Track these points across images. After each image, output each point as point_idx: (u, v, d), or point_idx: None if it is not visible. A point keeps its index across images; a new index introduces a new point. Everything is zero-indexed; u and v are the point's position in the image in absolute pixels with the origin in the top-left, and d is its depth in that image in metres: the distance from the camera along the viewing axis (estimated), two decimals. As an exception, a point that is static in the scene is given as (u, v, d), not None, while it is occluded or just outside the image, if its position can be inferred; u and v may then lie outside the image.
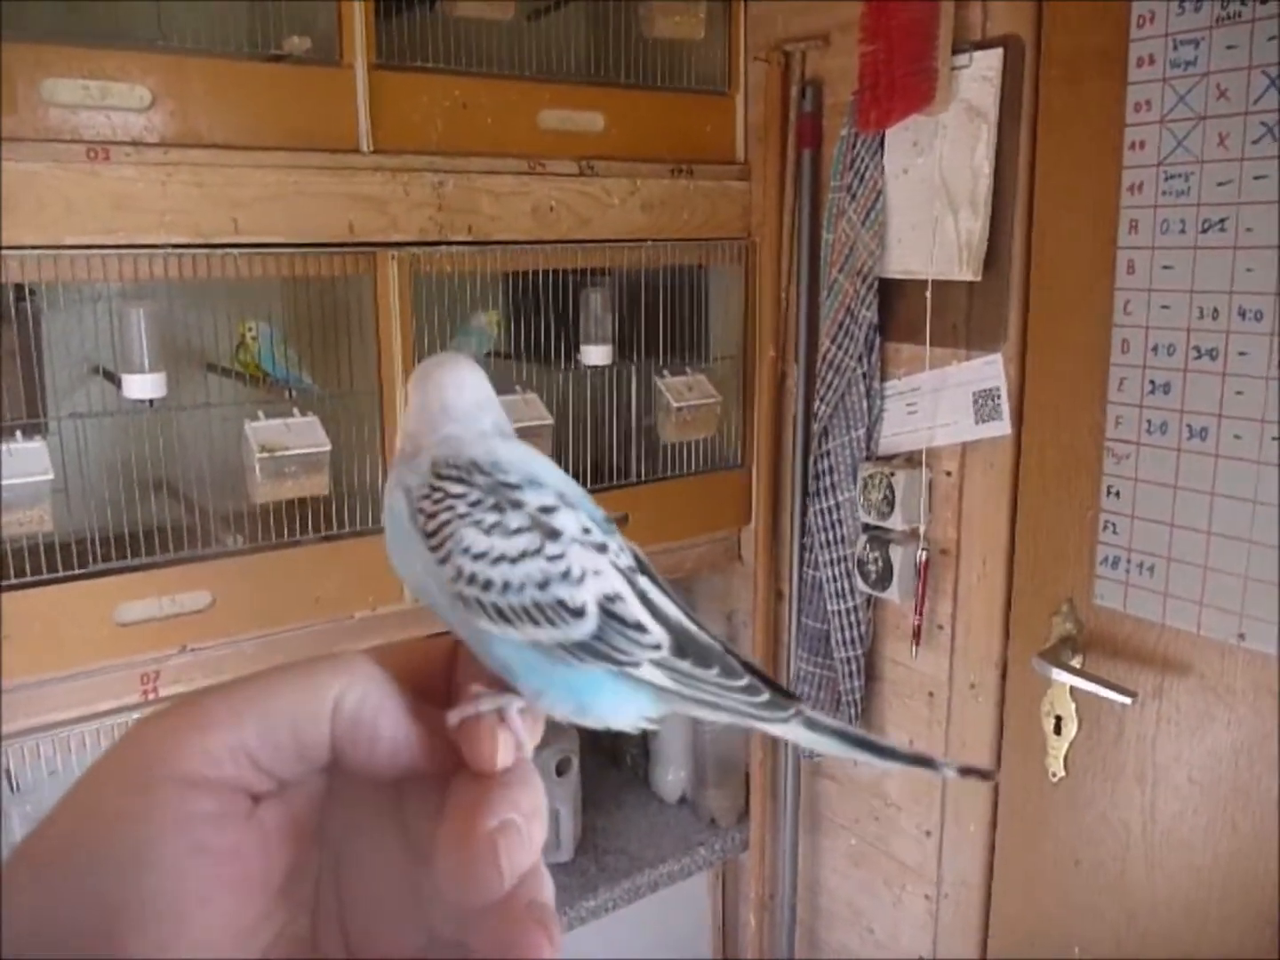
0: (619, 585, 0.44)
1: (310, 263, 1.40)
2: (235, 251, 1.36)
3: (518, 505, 0.43)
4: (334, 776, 0.38)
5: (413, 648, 0.43)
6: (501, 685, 0.41)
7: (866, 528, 1.58)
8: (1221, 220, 1.18)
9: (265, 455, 1.37)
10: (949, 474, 1.52)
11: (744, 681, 0.45)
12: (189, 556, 1.40)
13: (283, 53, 1.38)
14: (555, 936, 0.36)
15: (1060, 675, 1.34)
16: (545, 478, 0.45)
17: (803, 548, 1.68)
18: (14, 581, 1.28)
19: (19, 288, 1.32)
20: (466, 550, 0.42)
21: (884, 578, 1.54)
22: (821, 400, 1.59)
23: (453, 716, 0.38)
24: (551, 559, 0.43)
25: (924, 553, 1.52)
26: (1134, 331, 1.27)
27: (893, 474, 1.52)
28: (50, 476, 1.25)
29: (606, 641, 0.43)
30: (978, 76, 1.39)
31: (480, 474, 0.44)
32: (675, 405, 1.67)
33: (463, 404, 0.46)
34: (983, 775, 0.50)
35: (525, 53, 1.56)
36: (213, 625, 1.42)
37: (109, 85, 1.28)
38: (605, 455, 1.73)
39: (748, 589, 1.86)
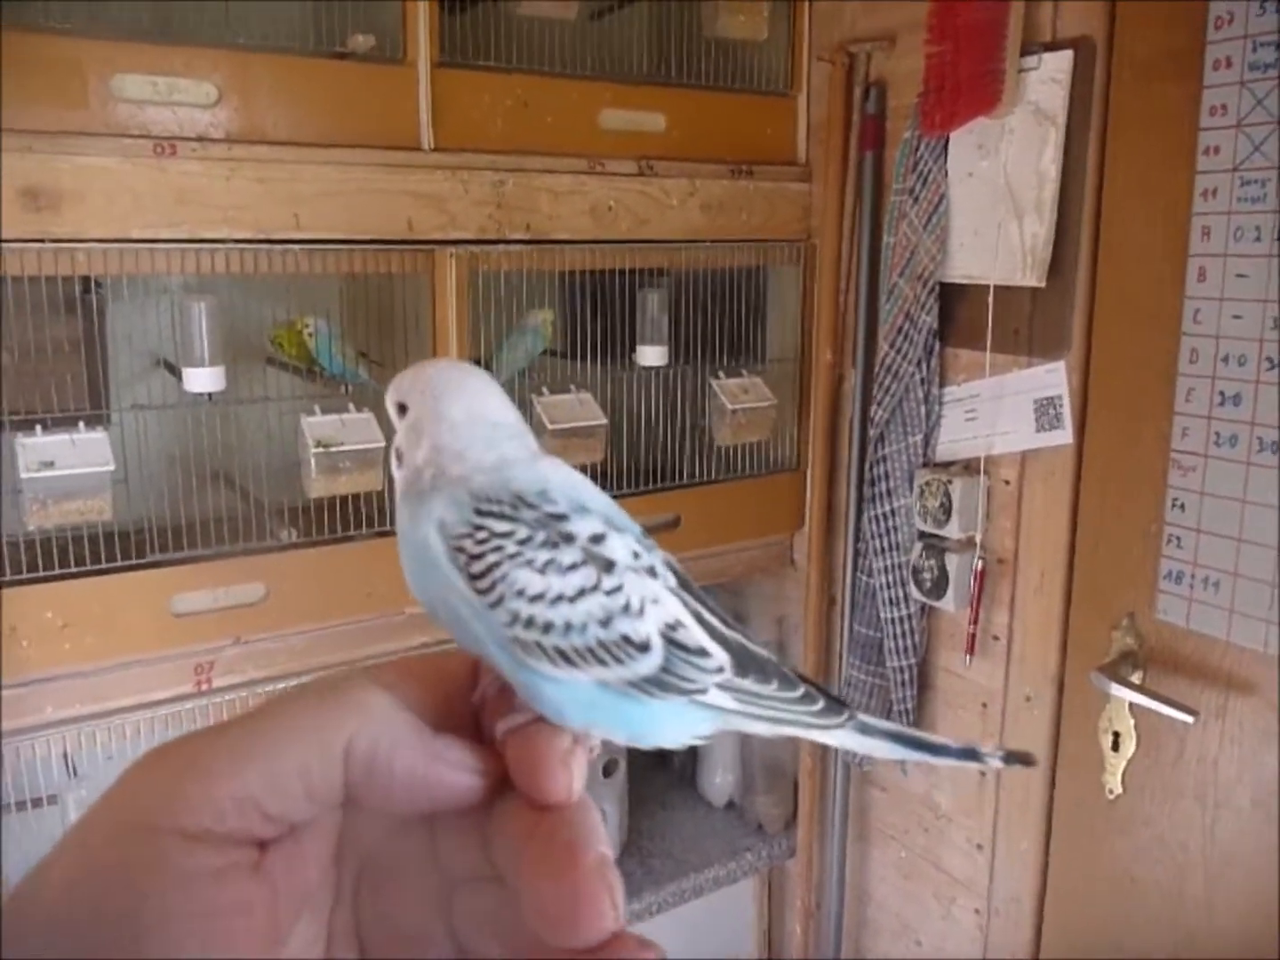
0: (677, 611, 0.42)
1: (369, 259, 1.41)
2: (296, 247, 1.37)
3: (569, 538, 0.41)
4: (349, 808, 0.36)
5: (431, 664, 0.40)
6: None
7: (922, 535, 1.55)
8: (1299, 228, 1.15)
9: (320, 450, 1.38)
10: (1007, 482, 1.49)
11: (800, 691, 0.44)
12: (244, 549, 1.41)
13: (347, 50, 1.39)
14: (617, 893, 0.34)
15: (1120, 691, 1.31)
16: (589, 501, 0.42)
17: (857, 553, 1.67)
18: (74, 570, 1.30)
19: (85, 280, 1.34)
20: (521, 593, 0.39)
21: (939, 586, 1.52)
22: (879, 405, 1.57)
23: (501, 727, 0.37)
24: (610, 593, 0.41)
25: (980, 562, 1.50)
26: (1204, 341, 1.24)
27: (950, 481, 1.49)
28: (111, 467, 1.27)
29: (673, 672, 0.42)
30: (1046, 79, 1.36)
31: (526, 507, 0.41)
32: (730, 407, 1.66)
33: (509, 421, 0.44)
34: (1024, 760, 0.48)
35: (587, 52, 1.56)
36: (266, 618, 1.43)
37: (176, 81, 1.30)
38: (658, 457, 1.72)
39: (799, 594, 1.84)
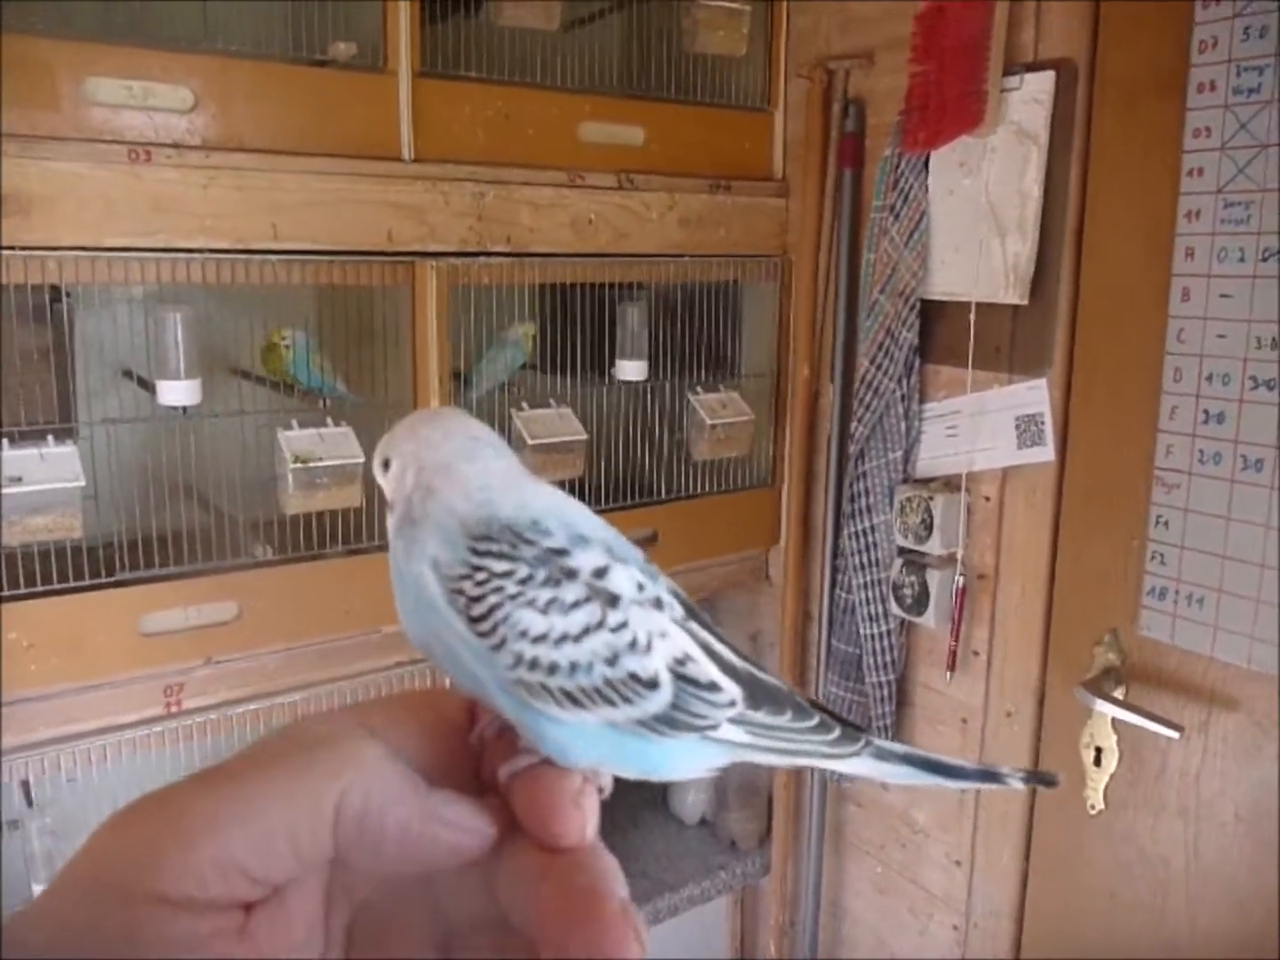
0: (686, 644, 0.41)
1: (349, 271, 1.38)
2: (274, 258, 1.34)
3: (571, 574, 0.39)
4: (338, 862, 0.34)
5: (425, 703, 0.39)
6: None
7: (902, 551, 1.56)
8: (1282, 249, 1.16)
9: (298, 465, 1.34)
10: (988, 499, 1.50)
11: (815, 721, 0.43)
12: (216, 567, 1.37)
13: (327, 58, 1.36)
14: (643, 935, 0.33)
15: (1104, 707, 1.32)
16: (587, 529, 0.41)
17: (835, 569, 1.66)
18: (39, 589, 1.25)
19: (54, 289, 1.30)
20: (524, 634, 0.38)
21: (920, 602, 1.52)
22: (859, 421, 1.57)
23: (504, 771, 0.36)
24: (616, 629, 0.40)
25: (961, 578, 1.50)
26: (1188, 360, 1.25)
27: (931, 498, 1.50)
28: (82, 483, 1.23)
29: (684, 709, 0.40)
30: (1029, 99, 1.38)
31: (524, 543, 0.39)
32: (709, 422, 1.65)
33: (488, 437, 0.43)
34: (1046, 781, 0.48)
35: (566, 64, 1.55)
36: (238, 637, 1.39)
37: (152, 86, 1.27)
38: (637, 472, 1.71)
39: (773, 609, 1.84)
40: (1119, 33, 1.31)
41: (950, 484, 1.52)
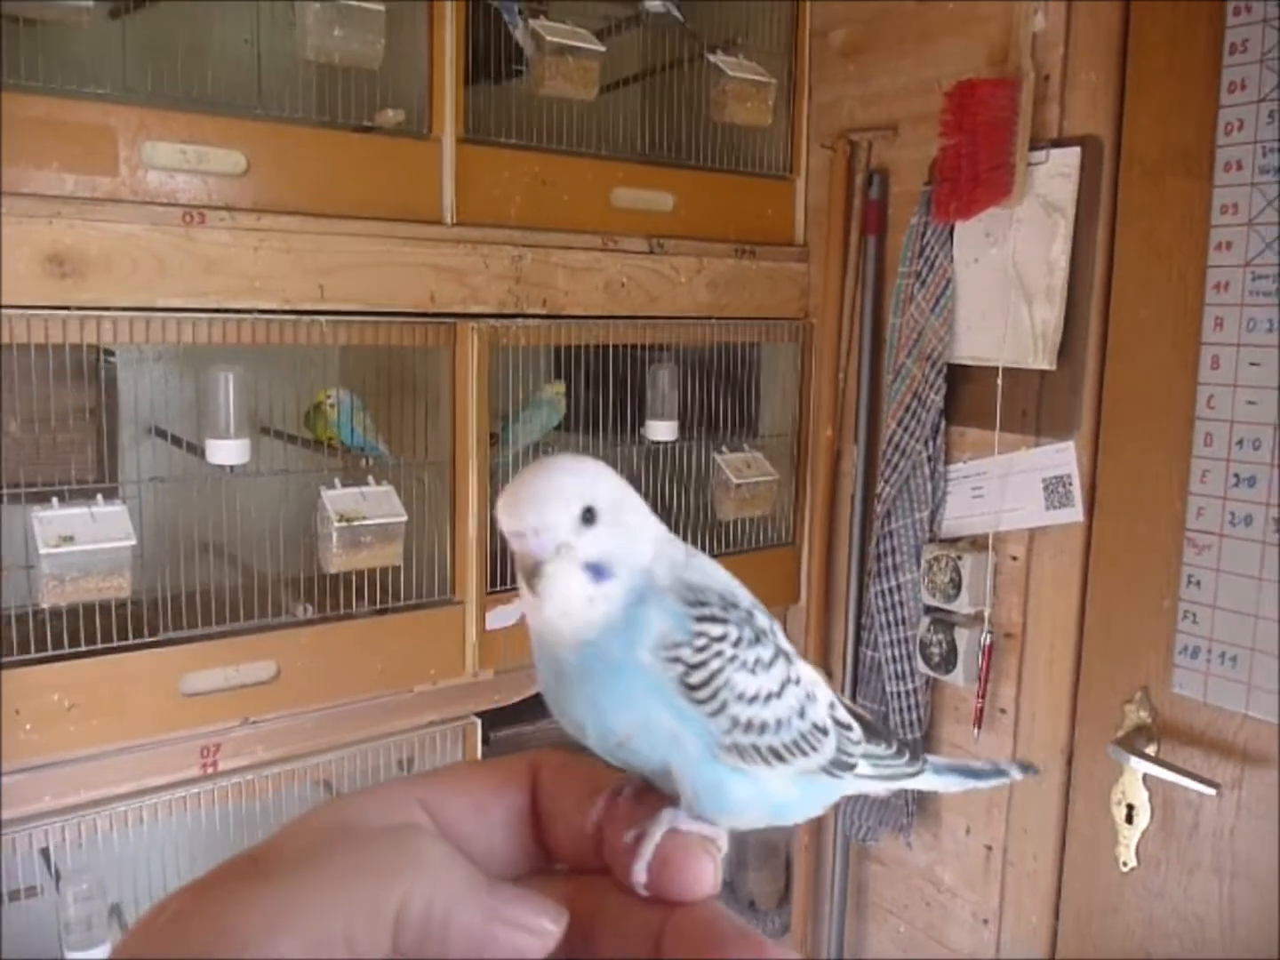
0: (828, 690, 0.43)
1: (393, 332, 1.40)
2: (321, 319, 1.35)
3: (763, 634, 0.40)
4: None
5: (479, 775, 0.37)
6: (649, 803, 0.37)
7: (929, 609, 1.58)
8: (1311, 320, 1.21)
9: (343, 525, 1.35)
10: (1015, 558, 1.53)
11: (896, 746, 0.46)
12: (256, 625, 1.37)
13: (374, 124, 1.39)
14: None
15: (1139, 764, 1.34)
16: (741, 588, 0.41)
17: (861, 628, 1.68)
18: (83, 649, 1.24)
19: (103, 349, 1.30)
20: (741, 696, 0.38)
21: (948, 660, 1.54)
22: (885, 482, 1.60)
23: (629, 836, 0.35)
24: (798, 682, 0.41)
25: (989, 636, 1.53)
26: (1218, 425, 1.29)
27: (960, 557, 1.52)
28: (133, 542, 1.23)
29: (842, 750, 0.42)
30: (1055, 173, 1.43)
31: (730, 605, 0.39)
32: (735, 482, 1.67)
33: (646, 506, 0.40)
34: (1028, 769, 0.56)
35: (600, 131, 1.59)
36: (276, 697, 1.38)
37: (206, 150, 1.28)
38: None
39: (792, 667, 1.85)
40: (1144, 112, 1.36)
41: (977, 543, 1.55)
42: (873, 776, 0.44)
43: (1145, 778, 1.40)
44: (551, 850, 0.37)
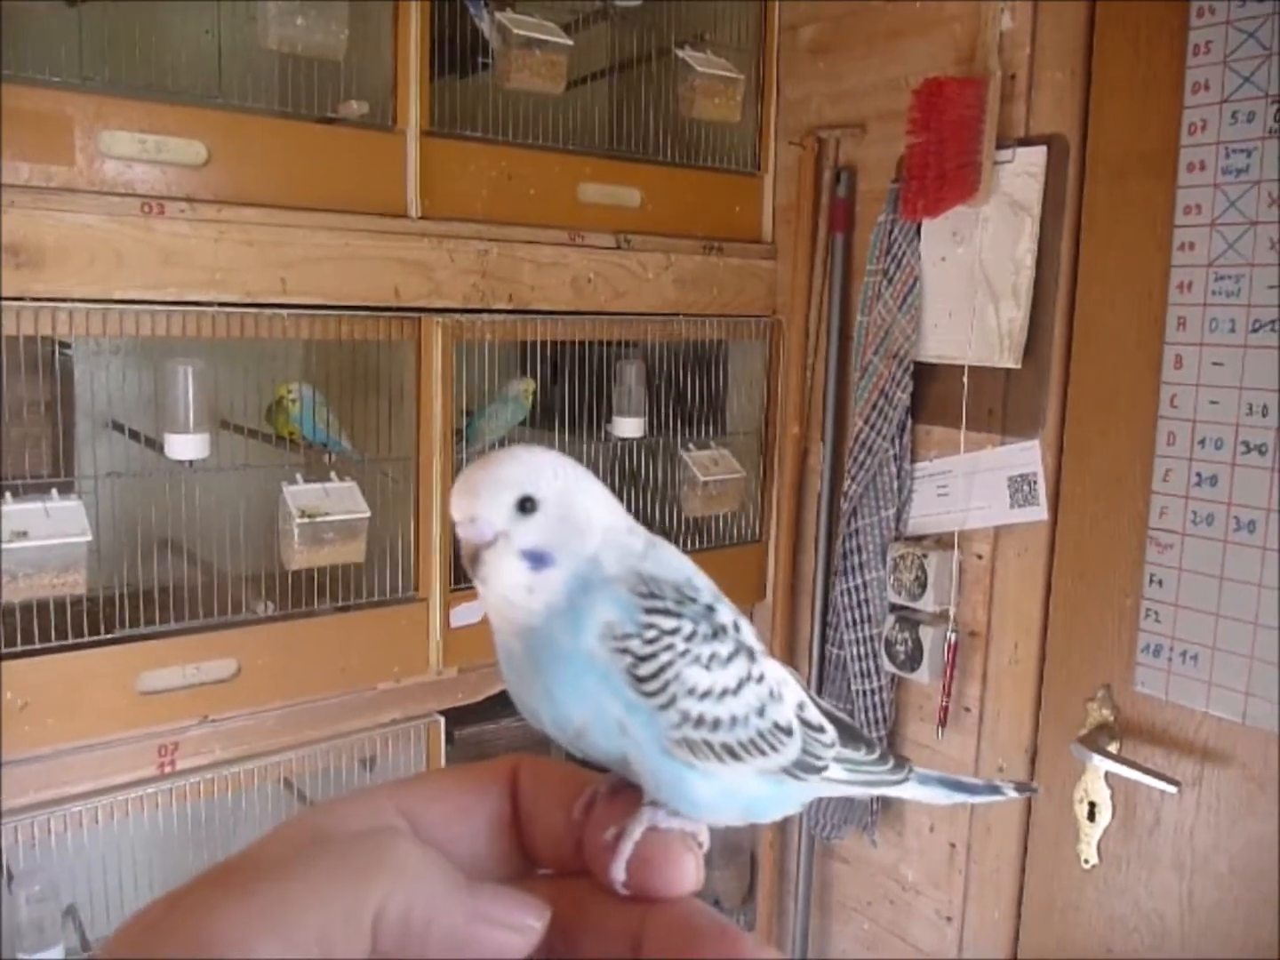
0: (798, 690, 0.42)
1: (356, 326, 1.38)
2: (283, 312, 1.33)
3: (723, 629, 0.39)
4: None
5: (460, 778, 0.37)
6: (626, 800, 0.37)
7: (894, 608, 1.58)
8: (1272, 321, 1.22)
9: (305, 520, 1.33)
10: (980, 557, 1.53)
11: (879, 752, 0.45)
12: (216, 623, 1.35)
13: (338, 115, 1.37)
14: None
15: (1102, 762, 1.35)
16: (702, 580, 0.40)
17: (826, 625, 1.68)
18: (37, 646, 1.22)
19: (59, 341, 1.28)
20: (692, 691, 0.38)
21: (913, 658, 1.54)
22: (852, 479, 1.60)
23: (609, 834, 0.35)
24: (759, 680, 0.40)
25: (954, 634, 1.53)
26: (1181, 425, 1.30)
27: (925, 555, 1.52)
28: (88, 538, 1.21)
29: (810, 752, 0.42)
30: (1020, 172, 1.43)
31: (685, 599, 0.39)
32: (702, 479, 1.67)
33: (608, 497, 0.40)
34: (1027, 790, 0.55)
35: (567, 126, 1.57)
36: (236, 695, 1.36)
37: (166, 140, 1.26)
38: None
39: (759, 665, 1.85)
40: (1109, 112, 1.37)
41: (943, 541, 1.55)
42: (848, 780, 0.43)
43: (1107, 775, 1.40)
44: (532, 854, 0.36)
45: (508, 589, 0.37)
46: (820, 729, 0.42)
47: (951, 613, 1.54)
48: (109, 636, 1.27)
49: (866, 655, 1.61)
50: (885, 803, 1.65)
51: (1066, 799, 1.46)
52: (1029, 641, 1.48)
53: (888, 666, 1.58)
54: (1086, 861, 1.44)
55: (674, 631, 0.37)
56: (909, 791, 0.46)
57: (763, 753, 0.40)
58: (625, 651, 0.37)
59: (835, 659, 1.66)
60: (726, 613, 0.40)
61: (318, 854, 0.30)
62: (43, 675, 1.23)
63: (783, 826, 1.83)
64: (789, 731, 0.41)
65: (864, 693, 1.62)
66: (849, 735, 0.44)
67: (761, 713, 0.40)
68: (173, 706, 1.32)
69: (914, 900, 1.67)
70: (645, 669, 0.37)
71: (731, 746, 0.38)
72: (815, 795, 0.43)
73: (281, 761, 1.42)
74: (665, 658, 0.37)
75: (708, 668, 0.38)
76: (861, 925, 1.76)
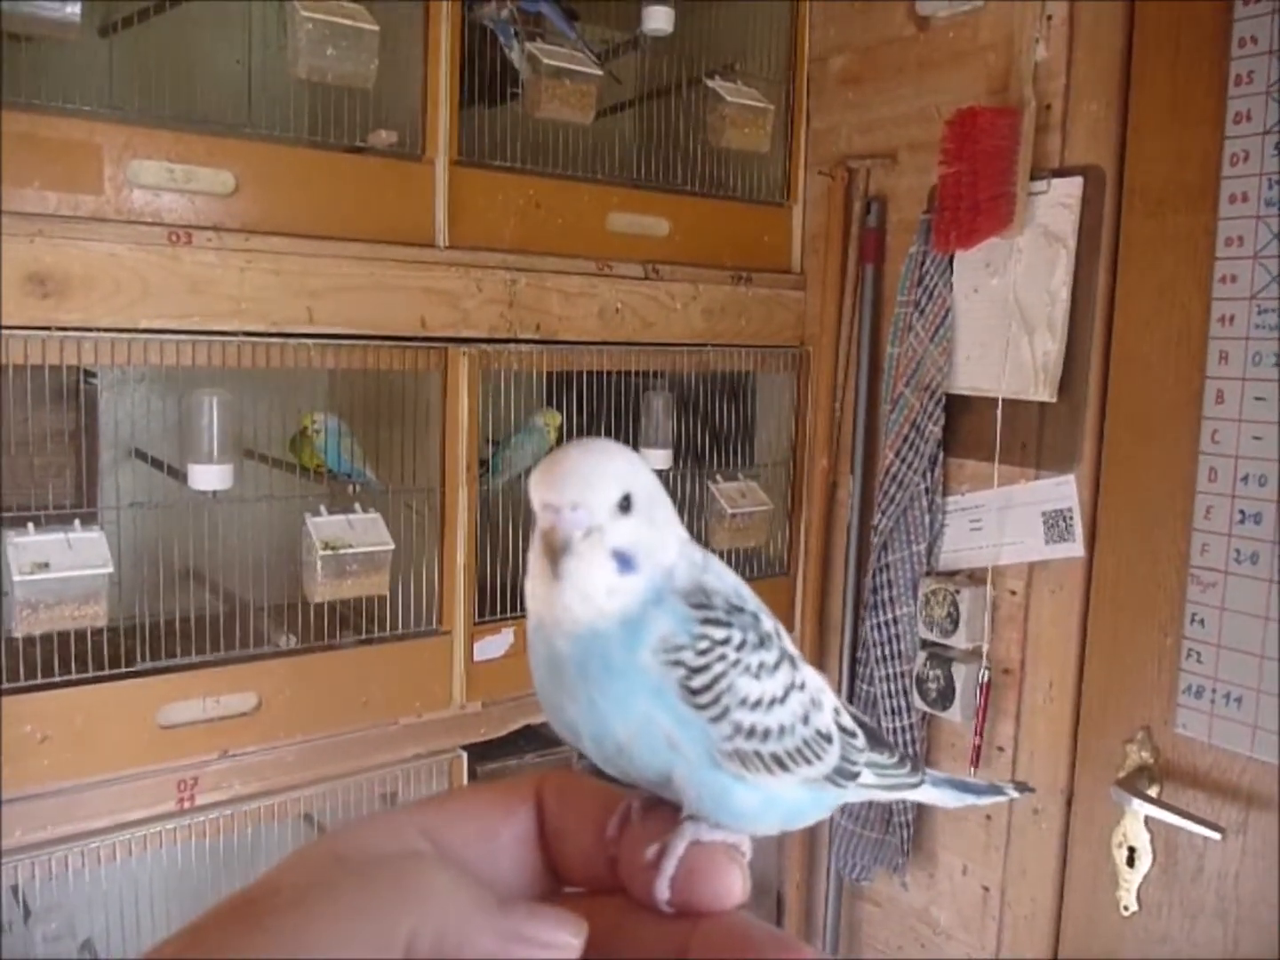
0: (832, 695, 0.42)
1: (382, 356, 1.37)
2: (309, 342, 1.32)
3: (768, 637, 0.39)
4: None
5: (484, 797, 0.36)
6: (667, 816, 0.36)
7: (925, 644, 1.55)
8: (1317, 355, 1.19)
9: (328, 553, 1.31)
10: (1013, 593, 1.50)
11: (899, 756, 0.45)
12: (237, 655, 1.33)
13: (366, 145, 1.36)
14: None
15: (1143, 807, 1.31)
16: (748, 592, 0.40)
17: (856, 661, 1.65)
18: (57, 679, 1.20)
19: (84, 370, 1.27)
20: (744, 701, 0.37)
21: (945, 696, 1.51)
22: (882, 513, 1.58)
23: (651, 852, 0.33)
24: (801, 688, 0.40)
25: (987, 672, 1.50)
26: (1223, 461, 1.27)
27: (958, 590, 1.49)
28: (110, 569, 1.19)
29: (846, 759, 0.41)
30: (1055, 203, 1.41)
31: (735, 610, 0.38)
32: (729, 511, 1.65)
33: (674, 510, 0.39)
34: (1024, 789, 0.56)
35: (595, 155, 1.56)
36: (257, 729, 1.34)
37: (194, 169, 1.26)
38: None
39: (785, 701, 1.82)
40: (1146, 142, 1.35)
41: (975, 577, 1.52)
42: (876, 785, 0.43)
43: (1147, 820, 1.37)
44: (560, 872, 0.35)
45: (589, 587, 0.35)
46: (853, 734, 0.42)
47: (984, 650, 1.50)
48: (129, 670, 1.25)
49: (897, 692, 1.58)
50: (916, 843, 1.61)
51: (1105, 843, 1.42)
52: (1064, 680, 1.45)
53: (919, 704, 1.55)
54: (1126, 908, 1.40)
55: (725, 641, 0.37)
56: (924, 794, 0.46)
57: (808, 761, 0.39)
58: (678, 664, 0.36)
59: (865, 695, 1.63)
60: (768, 620, 0.39)
61: (341, 883, 0.29)
62: (62, 708, 1.21)
63: (810, 867, 1.79)
64: (829, 739, 0.40)
65: (895, 730, 1.58)
66: (873, 739, 0.43)
67: (806, 720, 0.39)
68: (193, 741, 1.30)
69: (945, 945, 1.63)
70: (698, 681, 0.36)
71: (780, 756, 0.38)
72: (846, 800, 0.43)
73: (302, 797, 1.39)
74: (718, 669, 0.36)
75: (757, 677, 0.37)
76: (891, 970, 1.71)
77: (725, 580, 0.39)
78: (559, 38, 1.49)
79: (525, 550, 0.38)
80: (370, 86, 1.33)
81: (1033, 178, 1.42)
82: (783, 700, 0.38)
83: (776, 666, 0.38)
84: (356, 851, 0.30)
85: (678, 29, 1.58)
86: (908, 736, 1.57)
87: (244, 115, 1.30)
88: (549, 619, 0.36)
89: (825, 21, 1.72)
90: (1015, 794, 0.53)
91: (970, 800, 0.49)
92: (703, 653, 0.36)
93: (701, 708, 0.36)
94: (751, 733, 0.37)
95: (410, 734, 1.48)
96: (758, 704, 0.37)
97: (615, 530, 0.35)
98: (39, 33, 1.16)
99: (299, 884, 0.29)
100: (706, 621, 0.36)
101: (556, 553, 0.35)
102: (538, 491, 0.36)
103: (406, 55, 1.39)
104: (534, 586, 0.36)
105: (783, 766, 0.38)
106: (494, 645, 1.49)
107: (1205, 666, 1.30)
